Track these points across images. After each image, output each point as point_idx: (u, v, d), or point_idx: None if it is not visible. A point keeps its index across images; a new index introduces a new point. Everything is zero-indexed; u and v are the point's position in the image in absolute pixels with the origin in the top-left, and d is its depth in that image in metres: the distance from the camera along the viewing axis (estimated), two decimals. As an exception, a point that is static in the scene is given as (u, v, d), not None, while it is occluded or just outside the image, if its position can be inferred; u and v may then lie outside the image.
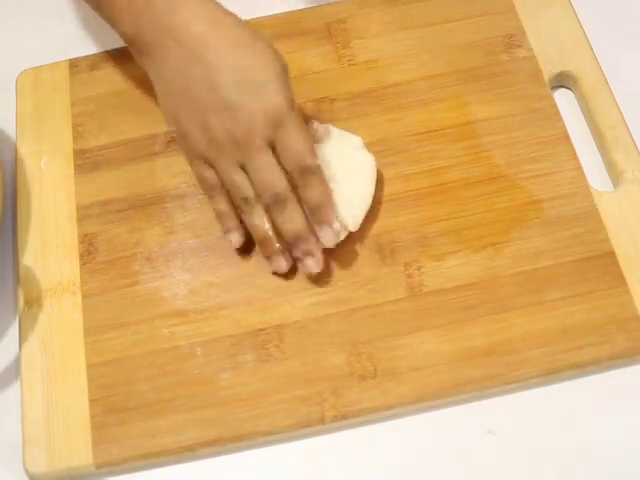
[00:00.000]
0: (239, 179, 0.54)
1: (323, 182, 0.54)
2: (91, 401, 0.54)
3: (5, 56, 0.68)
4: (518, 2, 0.65)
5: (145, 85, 0.64)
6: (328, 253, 0.56)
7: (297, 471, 0.53)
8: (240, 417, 0.53)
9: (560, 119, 0.60)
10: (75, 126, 0.63)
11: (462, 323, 0.54)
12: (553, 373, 0.53)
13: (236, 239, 0.56)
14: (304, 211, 0.54)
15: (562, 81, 0.63)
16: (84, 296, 0.57)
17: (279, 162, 0.53)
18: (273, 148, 0.53)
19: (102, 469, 0.52)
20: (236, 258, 0.57)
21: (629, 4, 0.68)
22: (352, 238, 0.57)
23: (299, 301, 0.56)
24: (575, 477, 0.51)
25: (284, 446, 0.53)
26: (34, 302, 0.57)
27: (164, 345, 0.55)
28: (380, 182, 0.59)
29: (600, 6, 0.66)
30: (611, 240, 0.56)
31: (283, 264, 0.55)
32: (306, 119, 0.57)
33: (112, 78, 0.65)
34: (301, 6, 0.67)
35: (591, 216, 0.57)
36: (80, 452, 0.52)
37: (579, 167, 0.59)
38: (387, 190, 0.59)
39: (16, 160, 0.62)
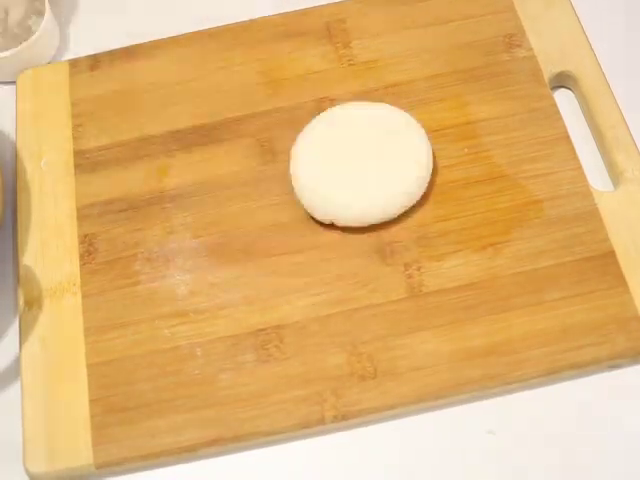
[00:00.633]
0: None
1: None
2: (91, 401, 0.54)
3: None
4: (518, 2, 0.65)
5: (145, 85, 0.64)
6: (329, 252, 0.56)
7: (297, 471, 0.53)
8: (240, 417, 0.53)
9: (560, 119, 0.60)
10: (75, 126, 0.63)
11: (462, 323, 0.54)
12: (553, 373, 0.53)
13: None
14: None
15: (562, 81, 0.63)
16: (84, 296, 0.57)
17: None
18: None
19: (102, 469, 0.52)
20: (236, 258, 0.57)
21: (629, 4, 0.68)
22: (352, 238, 0.57)
23: (299, 301, 0.56)
24: (575, 477, 0.51)
25: (284, 446, 0.53)
26: (34, 302, 0.57)
27: (164, 345, 0.55)
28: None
29: (600, 6, 0.66)
30: (611, 240, 0.56)
31: None
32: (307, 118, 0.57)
33: (112, 78, 0.65)
34: (301, 6, 0.67)
35: (591, 216, 0.57)
36: (80, 452, 0.52)
37: (579, 167, 0.59)
38: (387, 190, 0.59)
39: (16, 160, 0.62)
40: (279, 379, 0.53)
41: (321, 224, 0.58)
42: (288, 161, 0.60)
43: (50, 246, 0.59)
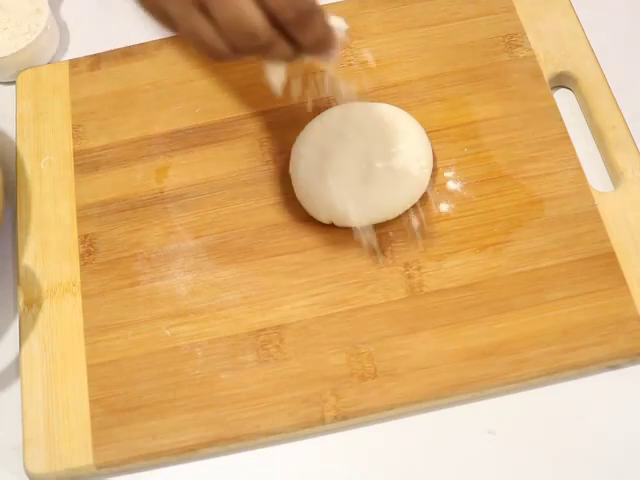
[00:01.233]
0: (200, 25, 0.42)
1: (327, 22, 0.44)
2: (91, 401, 0.54)
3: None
4: (518, 2, 0.65)
5: (145, 85, 0.64)
6: (329, 252, 0.56)
7: (297, 471, 0.53)
8: (240, 417, 0.53)
9: (560, 119, 0.60)
10: (75, 126, 0.63)
11: (462, 323, 0.54)
12: (553, 373, 0.53)
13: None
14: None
15: (562, 81, 0.63)
16: (84, 296, 0.57)
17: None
18: None
19: (102, 470, 0.52)
20: (236, 258, 0.57)
21: (629, 4, 0.68)
22: (352, 238, 0.57)
23: (299, 301, 0.56)
24: (575, 477, 0.51)
25: (284, 446, 0.53)
26: (34, 302, 0.57)
27: (164, 346, 0.55)
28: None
29: (600, 6, 0.66)
30: (611, 240, 0.56)
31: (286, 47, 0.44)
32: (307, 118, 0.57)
33: (112, 78, 0.65)
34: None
35: (591, 216, 0.57)
36: (80, 453, 0.53)
37: (579, 167, 0.59)
38: (388, 190, 0.59)
39: (16, 160, 0.62)
40: (279, 379, 0.53)
41: (321, 224, 0.58)
42: (288, 161, 0.60)
43: (50, 246, 0.59)
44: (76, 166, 0.62)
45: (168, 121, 0.63)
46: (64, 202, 0.60)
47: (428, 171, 0.58)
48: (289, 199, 0.59)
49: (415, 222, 0.57)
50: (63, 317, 0.57)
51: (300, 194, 0.58)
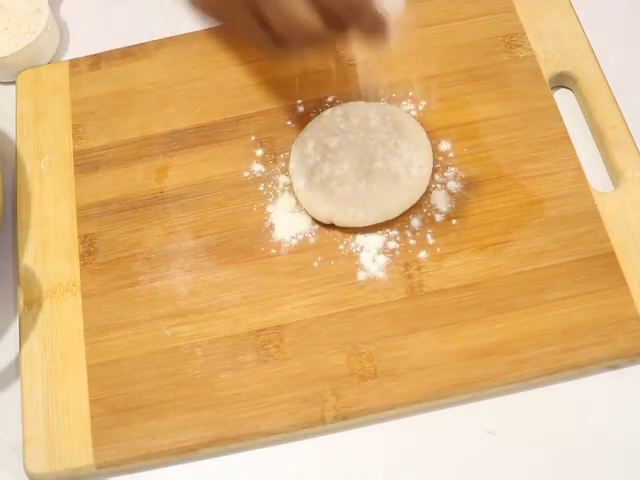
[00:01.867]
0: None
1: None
2: (91, 401, 0.54)
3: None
4: (518, 2, 0.65)
5: (145, 85, 0.64)
6: (329, 252, 0.56)
7: (297, 471, 0.53)
8: (240, 417, 0.53)
9: (560, 119, 0.60)
10: (75, 126, 0.63)
11: (462, 323, 0.54)
12: (553, 373, 0.53)
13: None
14: None
15: (562, 81, 0.63)
16: (84, 296, 0.57)
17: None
18: None
19: (102, 470, 0.52)
20: (236, 258, 0.57)
21: (629, 4, 0.68)
22: (352, 238, 0.57)
23: (299, 301, 0.56)
24: (575, 477, 0.51)
25: (284, 446, 0.53)
26: (34, 302, 0.57)
27: (164, 346, 0.55)
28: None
29: (600, 6, 0.66)
30: (611, 240, 0.56)
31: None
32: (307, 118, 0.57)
33: (112, 78, 0.65)
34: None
35: (591, 216, 0.57)
36: (80, 453, 0.53)
37: (579, 167, 0.59)
38: (388, 190, 0.59)
39: (16, 160, 0.62)
40: (279, 379, 0.53)
41: (321, 224, 0.58)
42: (288, 161, 0.60)
43: (50, 246, 0.59)
44: (76, 166, 0.62)
45: (168, 121, 0.63)
46: (64, 202, 0.60)
47: (428, 171, 0.58)
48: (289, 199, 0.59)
49: (415, 222, 0.57)
50: (63, 317, 0.57)
51: (300, 194, 0.58)
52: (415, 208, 0.58)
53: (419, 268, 0.56)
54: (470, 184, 0.59)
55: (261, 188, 0.60)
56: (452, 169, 0.59)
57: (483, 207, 0.58)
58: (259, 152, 0.61)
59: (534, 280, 0.55)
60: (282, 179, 0.60)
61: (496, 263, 0.56)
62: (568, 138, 0.60)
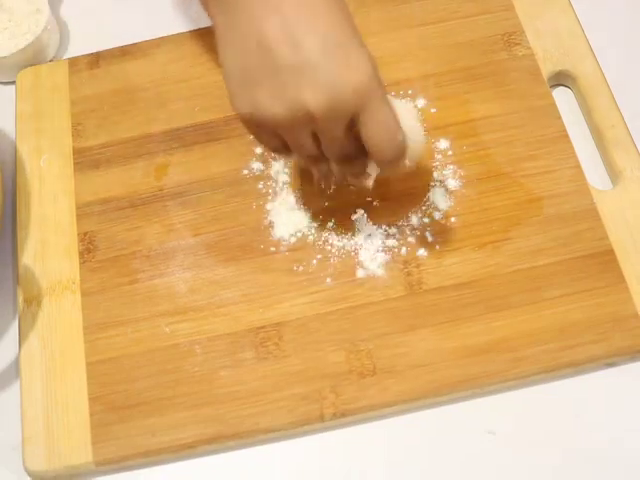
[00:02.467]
0: (309, 149, 0.48)
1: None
2: (91, 399, 0.54)
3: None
4: (517, 1, 0.65)
5: (145, 83, 0.64)
6: (329, 251, 0.57)
7: (296, 469, 0.53)
8: (239, 415, 0.53)
9: (559, 117, 0.60)
10: (75, 125, 0.63)
11: (461, 321, 0.54)
12: (551, 371, 0.53)
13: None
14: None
15: (561, 80, 0.63)
16: (84, 294, 0.57)
17: (356, 136, 0.48)
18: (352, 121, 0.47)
19: (102, 467, 0.53)
20: (235, 256, 0.57)
21: (628, 3, 0.68)
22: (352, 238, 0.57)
23: (298, 299, 0.56)
24: (575, 477, 0.51)
25: (284, 444, 0.53)
26: (33, 300, 0.57)
27: (163, 343, 0.55)
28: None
29: (599, 4, 0.66)
30: (610, 238, 0.56)
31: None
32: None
33: (112, 77, 0.65)
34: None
35: (590, 214, 0.57)
36: (80, 450, 0.53)
37: (578, 165, 0.59)
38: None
39: (16, 159, 0.63)
40: (278, 377, 0.53)
41: (321, 222, 0.58)
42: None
43: (50, 244, 0.59)
44: (76, 164, 0.62)
45: (168, 119, 0.63)
46: (64, 200, 0.60)
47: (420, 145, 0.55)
48: (288, 197, 0.59)
49: (414, 220, 0.57)
50: (62, 315, 0.57)
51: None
52: (414, 206, 0.58)
53: (418, 266, 0.56)
54: (469, 182, 0.59)
55: (260, 186, 0.60)
56: (451, 167, 0.59)
57: (482, 205, 0.58)
58: (258, 150, 0.61)
59: (532, 278, 0.55)
60: (281, 177, 0.60)
61: (494, 261, 0.56)
62: (567, 136, 0.60)
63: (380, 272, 0.56)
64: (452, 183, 0.59)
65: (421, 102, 0.62)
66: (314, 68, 0.44)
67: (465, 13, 0.65)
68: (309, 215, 0.58)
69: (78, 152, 0.62)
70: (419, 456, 0.52)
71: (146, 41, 0.66)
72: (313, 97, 0.45)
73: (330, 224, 0.58)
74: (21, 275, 0.58)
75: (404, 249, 0.57)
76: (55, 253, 0.59)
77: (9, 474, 0.54)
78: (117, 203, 0.60)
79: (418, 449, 0.53)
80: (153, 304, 0.56)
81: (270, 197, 0.59)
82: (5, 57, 0.65)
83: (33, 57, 0.66)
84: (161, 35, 0.66)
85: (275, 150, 0.51)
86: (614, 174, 0.59)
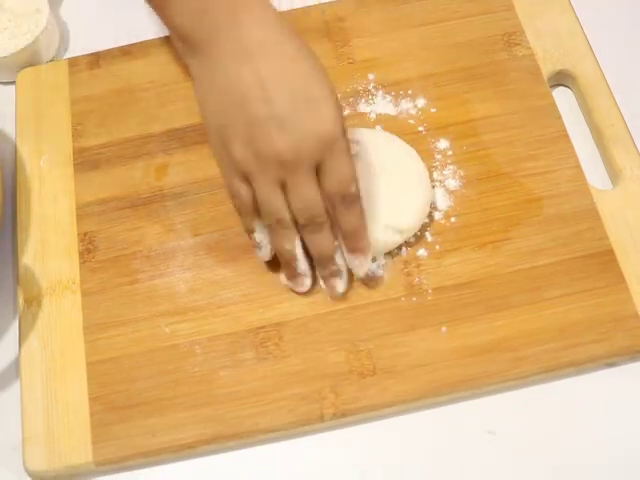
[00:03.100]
0: (277, 201, 0.51)
1: (362, 211, 0.53)
2: (91, 399, 0.54)
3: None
4: (517, 1, 0.65)
5: (144, 84, 0.64)
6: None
7: (296, 469, 0.53)
8: (239, 415, 0.53)
9: (559, 117, 0.60)
10: (75, 125, 0.63)
11: (461, 321, 0.54)
12: (551, 371, 0.53)
13: (267, 255, 0.55)
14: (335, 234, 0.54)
15: (561, 79, 0.63)
16: (84, 294, 0.57)
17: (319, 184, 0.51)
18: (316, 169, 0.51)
19: (102, 467, 0.53)
20: (235, 256, 0.57)
21: (628, 2, 0.68)
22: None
23: (298, 299, 0.56)
24: (575, 477, 0.51)
25: (283, 444, 0.53)
26: (33, 301, 0.57)
27: (163, 343, 0.55)
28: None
29: (599, 4, 0.66)
30: (610, 238, 0.56)
31: (307, 283, 0.55)
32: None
33: (112, 77, 0.65)
34: (300, 5, 0.67)
35: (590, 214, 0.57)
36: (80, 450, 0.53)
37: (578, 165, 0.59)
38: (387, 188, 0.59)
39: (16, 159, 0.63)
40: (278, 377, 0.53)
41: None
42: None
43: (50, 244, 0.59)
44: (76, 164, 0.62)
45: (167, 119, 0.63)
46: (64, 200, 0.60)
47: (425, 208, 0.57)
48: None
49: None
50: (63, 315, 0.57)
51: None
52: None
53: (418, 266, 0.56)
54: (469, 182, 0.59)
55: (260, 186, 0.60)
56: (451, 167, 0.59)
57: (482, 205, 0.58)
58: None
59: (532, 278, 0.55)
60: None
61: (494, 261, 0.56)
62: (567, 136, 0.60)
63: (380, 272, 0.56)
64: (452, 183, 0.59)
65: (421, 102, 0.62)
66: (284, 120, 0.49)
67: (465, 13, 0.65)
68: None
69: (78, 152, 0.62)
70: (419, 456, 0.52)
71: (146, 41, 0.66)
72: (281, 141, 0.49)
73: (330, 224, 0.58)
74: (21, 275, 0.58)
75: (404, 249, 0.57)
76: (55, 253, 0.59)
77: (9, 474, 0.54)
78: (117, 203, 0.60)
79: (418, 449, 0.53)
80: (153, 304, 0.56)
81: (270, 197, 0.59)
82: (5, 57, 0.65)
83: (33, 57, 0.66)
84: (161, 35, 0.66)
85: (244, 205, 0.53)
86: (614, 174, 0.59)
